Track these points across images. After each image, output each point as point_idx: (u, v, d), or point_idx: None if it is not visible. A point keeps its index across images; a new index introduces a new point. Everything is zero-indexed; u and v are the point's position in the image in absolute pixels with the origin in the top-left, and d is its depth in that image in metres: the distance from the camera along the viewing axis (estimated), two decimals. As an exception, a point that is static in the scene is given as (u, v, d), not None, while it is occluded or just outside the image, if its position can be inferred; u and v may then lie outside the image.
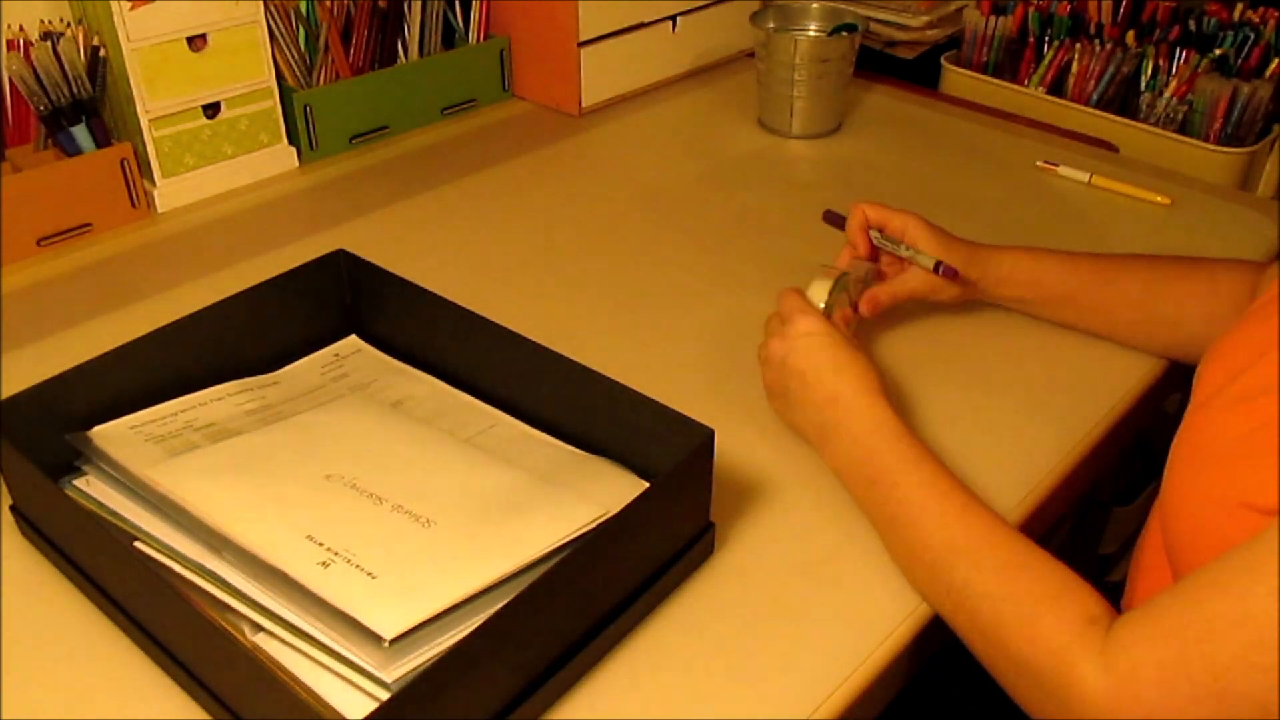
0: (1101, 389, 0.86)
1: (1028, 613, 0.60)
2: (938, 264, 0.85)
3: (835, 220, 0.93)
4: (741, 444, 0.80)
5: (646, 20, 1.34)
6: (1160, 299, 0.85)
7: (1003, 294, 0.90)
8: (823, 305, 0.81)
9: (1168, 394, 0.91)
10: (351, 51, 1.22)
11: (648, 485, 0.69)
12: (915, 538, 0.68)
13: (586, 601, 0.62)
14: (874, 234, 0.89)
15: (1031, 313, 0.91)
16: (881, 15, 1.56)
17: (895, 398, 0.76)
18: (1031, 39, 1.53)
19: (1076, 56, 1.48)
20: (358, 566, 0.60)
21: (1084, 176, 1.17)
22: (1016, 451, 0.80)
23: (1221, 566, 0.53)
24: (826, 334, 0.77)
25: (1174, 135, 1.40)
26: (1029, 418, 0.83)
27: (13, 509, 0.73)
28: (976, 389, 0.86)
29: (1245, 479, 0.56)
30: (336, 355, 0.86)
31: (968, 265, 0.87)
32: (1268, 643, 0.50)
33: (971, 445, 0.80)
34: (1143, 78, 1.45)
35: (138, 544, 0.66)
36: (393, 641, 0.56)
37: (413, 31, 1.26)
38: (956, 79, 1.55)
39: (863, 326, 0.91)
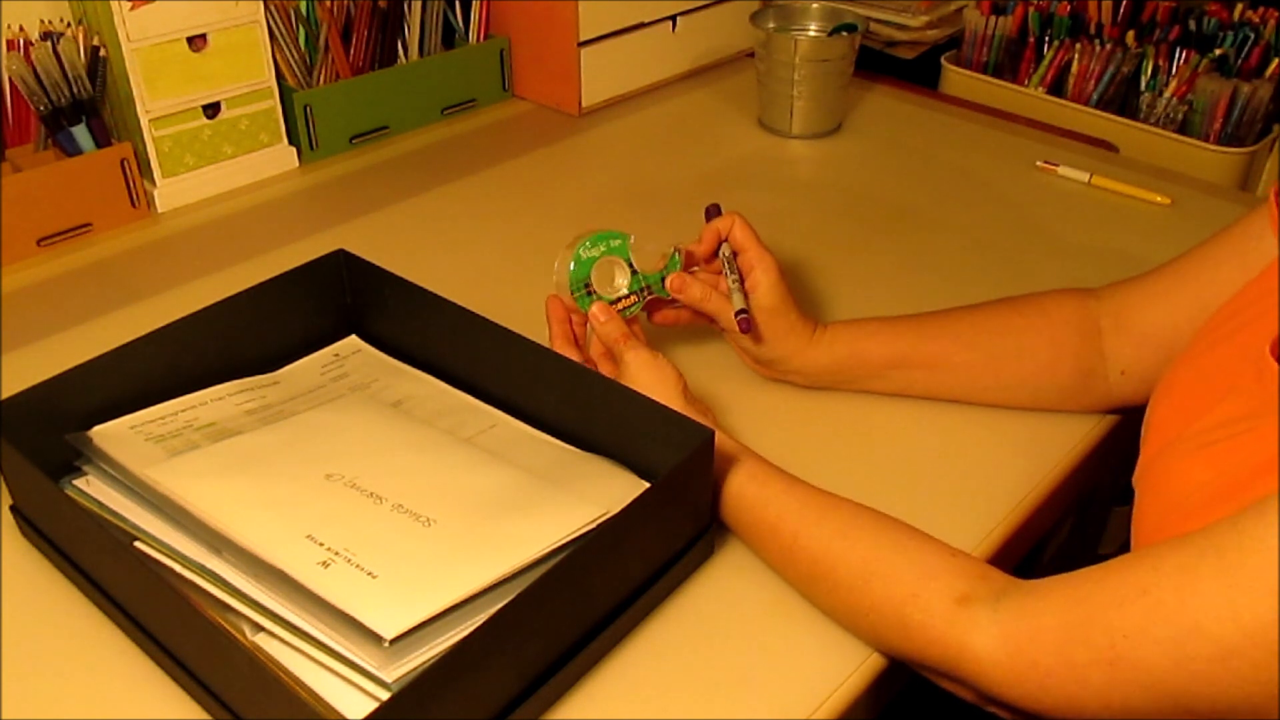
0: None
1: (893, 617, 0.61)
2: (740, 311, 0.79)
3: (714, 212, 0.86)
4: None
5: (646, 20, 1.34)
6: (994, 335, 0.81)
7: (825, 379, 0.84)
8: (625, 290, 0.81)
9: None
10: (351, 51, 1.22)
11: (648, 485, 0.69)
12: (788, 569, 0.69)
13: (586, 601, 0.62)
14: (725, 248, 0.83)
15: (862, 387, 0.85)
16: (881, 15, 1.56)
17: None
18: (1031, 39, 1.53)
19: (1076, 56, 1.48)
20: (358, 566, 0.60)
21: (1084, 176, 1.17)
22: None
23: (1152, 549, 0.53)
24: (639, 363, 0.75)
25: (1174, 135, 1.40)
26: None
27: (13, 509, 0.73)
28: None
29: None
30: (336, 355, 0.86)
31: (788, 337, 0.82)
32: (1168, 616, 0.49)
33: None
34: (1143, 78, 1.45)
35: (138, 544, 0.66)
36: (393, 641, 0.56)
37: (413, 31, 1.26)
38: (956, 79, 1.55)
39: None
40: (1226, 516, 0.50)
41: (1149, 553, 0.52)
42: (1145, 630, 0.50)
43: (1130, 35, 1.47)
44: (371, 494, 0.66)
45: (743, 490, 0.70)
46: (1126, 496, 0.68)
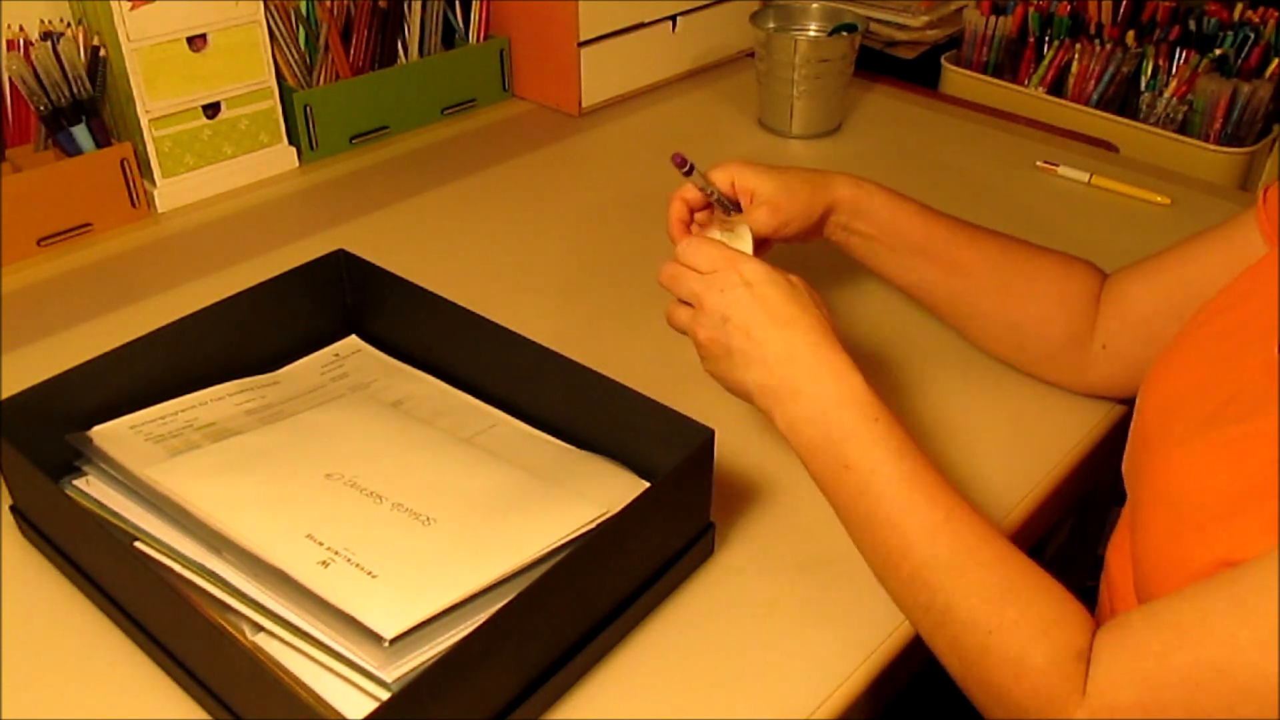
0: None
1: (1016, 650, 0.56)
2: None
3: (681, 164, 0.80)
4: (741, 444, 0.80)
5: (646, 20, 1.34)
6: (1017, 267, 0.82)
7: (855, 228, 0.84)
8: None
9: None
10: (351, 51, 1.22)
11: (648, 485, 0.69)
12: (893, 545, 0.62)
13: (586, 601, 0.63)
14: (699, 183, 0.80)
15: (880, 264, 0.86)
16: (881, 15, 1.56)
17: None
18: (1031, 39, 1.53)
19: (1076, 56, 1.48)
20: (358, 566, 0.60)
21: (1084, 176, 1.17)
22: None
23: (1206, 606, 0.51)
24: (771, 280, 0.68)
25: (1174, 135, 1.40)
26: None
27: (13, 509, 0.73)
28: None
29: (1227, 537, 0.53)
30: (336, 355, 0.86)
31: (815, 193, 0.81)
32: (1253, 693, 0.48)
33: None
34: (1143, 78, 1.45)
35: (138, 544, 0.66)
36: (393, 641, 0.56)
37: (413, 31, 1.26)
38: (956, 79, 1.55)
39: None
40: (1268, 565, 0.49)
41: (1218, 624, 0.50)
42: (1231, 710, 0.48)
43: (1130, 35, 1.47)
44: (371, 493, 0.66)
45: (868, 430, 0.63)
46: (1126, 497, 0.68)
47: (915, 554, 0.60)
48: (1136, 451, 0.66)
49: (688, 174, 0.80)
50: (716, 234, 0.79)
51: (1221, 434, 0.57)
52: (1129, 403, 0.84)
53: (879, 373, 0.89)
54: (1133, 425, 0.67)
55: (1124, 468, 0.67)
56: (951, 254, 0.83)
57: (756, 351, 0.67)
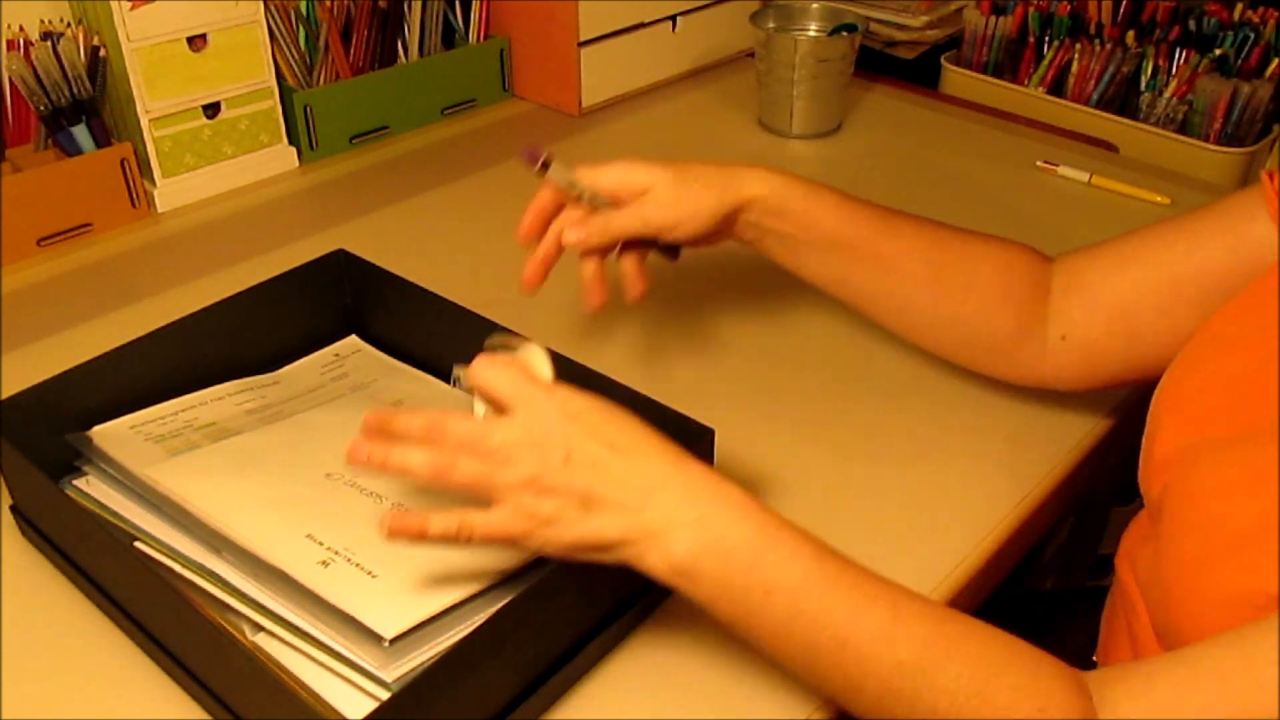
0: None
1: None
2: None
3: (533, 161, 0.72)
4: (741, 444, 0.80)
5: (646, 20, 1.34)
6: (952, 258, 0.75)
7: (769, 226, 0.76)
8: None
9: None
10: (351, 51, 1.22)
11: (648, 485, 0.69)
12: (850, 666, 0.54)
13: (587, 601, 0.63)
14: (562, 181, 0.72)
15: (799, 264, 0.78)
16: (881, 15, 1.56)
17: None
18: (1031, 39, 1.53)
19: (1076, 56, 1.48)
20: (358, 566, 0.60)
21: (1084, 176, 1.17)
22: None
23: (1229, 667, 0.49)
24: (597, 408, 0.56)
25: (1174, 135, 1.40)
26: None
27: (13, 509, 0.73)
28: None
29: (1261, 563, 0.52)
30: (336, 355, 0.86)
31: (720, 194, 0.73)
32: None
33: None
34: (1143, 78, 1.45)
35: (138, 544, 0.66)
36: (393, 641, 0.56)
37: (413, 31, 1.26)
38: (956, 79, 1.55)
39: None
40: None
41: (1258, 693, 0.47)
42: None
43: (1130, 35, 1.47)
44: (372, 493, 0.66)
45: (775, 544, 0.55)
46: (1127, 497, 0.68)
47: (879, 668, 0.53)
48: (1157, 470, 0.63)
49: (541, 171, 0.69)
50: (532, 348, 0.62)
51: (1253, 457, 0.55)
52: (1115, 410, 0.84)
53: (874, 374, 0.89)
54: (1148, 439, 0.65)
55: (1141, 481, 0.65)
56: (876, 247, 0.76)
57: (614, 494, 0.54)
